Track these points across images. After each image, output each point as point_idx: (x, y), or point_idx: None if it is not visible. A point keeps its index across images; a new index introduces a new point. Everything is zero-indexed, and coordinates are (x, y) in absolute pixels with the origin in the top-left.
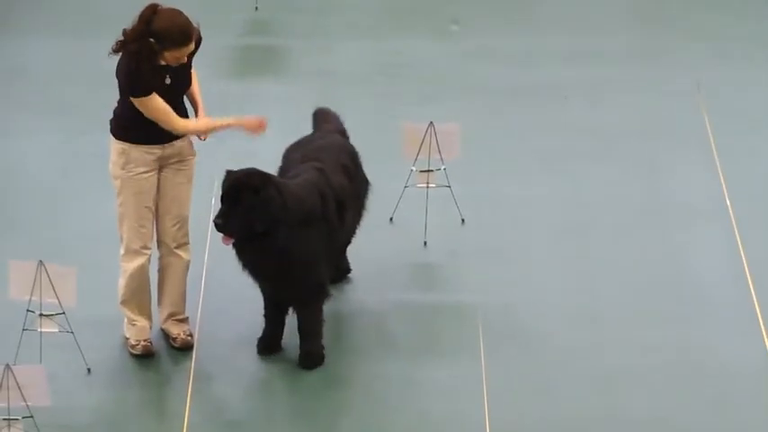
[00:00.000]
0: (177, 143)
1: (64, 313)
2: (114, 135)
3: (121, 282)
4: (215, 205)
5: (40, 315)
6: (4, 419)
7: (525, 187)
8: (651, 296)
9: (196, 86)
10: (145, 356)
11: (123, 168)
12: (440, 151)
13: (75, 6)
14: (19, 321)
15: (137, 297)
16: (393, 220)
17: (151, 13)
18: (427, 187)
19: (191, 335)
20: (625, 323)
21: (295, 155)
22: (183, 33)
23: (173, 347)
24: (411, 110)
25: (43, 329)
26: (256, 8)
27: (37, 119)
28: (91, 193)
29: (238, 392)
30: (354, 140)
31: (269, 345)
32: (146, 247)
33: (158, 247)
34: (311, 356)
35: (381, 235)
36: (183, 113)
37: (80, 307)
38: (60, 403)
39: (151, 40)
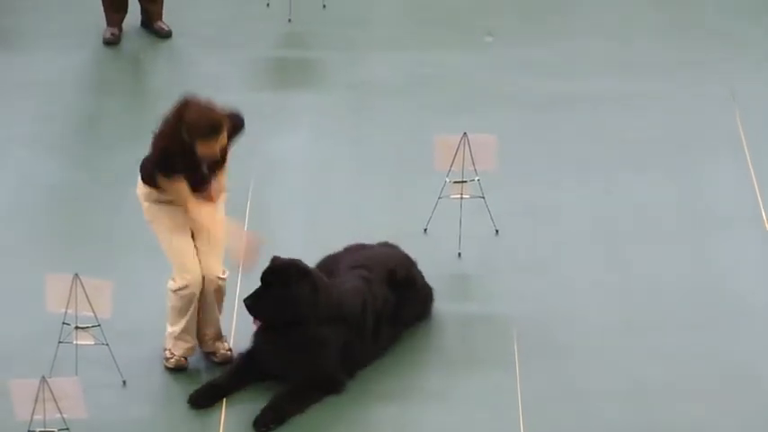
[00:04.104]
0: (203, 193)
1: (99, 326)
2: (143, 180)
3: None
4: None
5: (76, 328)
6: None
7: (560, 197)
8: (686, 306)
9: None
10: (177, 370)
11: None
12: (473, 162)
13: None
14: (55, 334)
15: (191, 315)
16: (427, 230)
17: (184, 107)
18: (461, 198)
19: (230, 350)
20: (660, 333)
21: (347, 258)
22: (212, 127)
23: (213, 362)
24: (445, 121)
25: (79, 342)
26: (289, 20)
27: (70, 131)
28: (126, 204)
29: None
30: (388, 152)
31: (209, 396)
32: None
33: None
34: (270, 413)
35: (415, 246)
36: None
37: (115, 320)
38: (96, 416)
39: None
